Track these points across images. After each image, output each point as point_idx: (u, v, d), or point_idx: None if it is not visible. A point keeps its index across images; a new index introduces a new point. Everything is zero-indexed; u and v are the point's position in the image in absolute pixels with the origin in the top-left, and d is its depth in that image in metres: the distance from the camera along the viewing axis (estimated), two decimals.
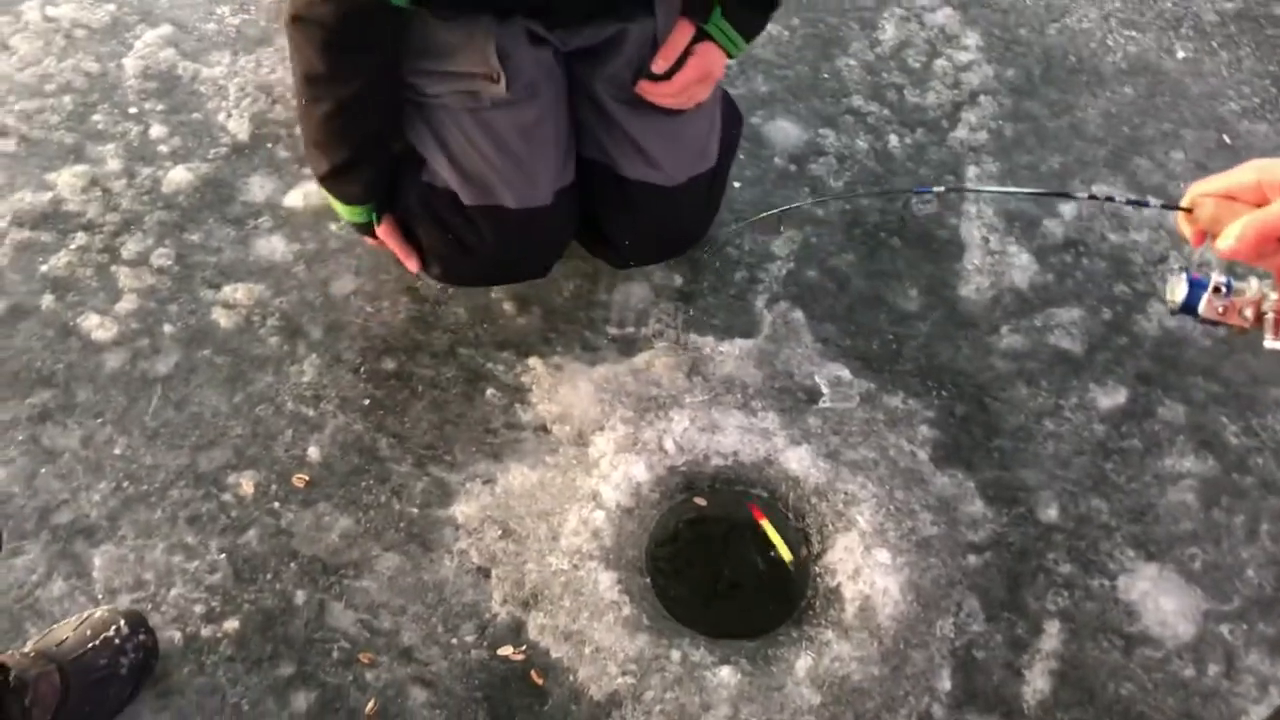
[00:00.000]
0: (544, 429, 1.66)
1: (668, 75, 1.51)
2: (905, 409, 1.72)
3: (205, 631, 1.45)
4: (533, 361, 1.73)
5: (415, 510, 1.58)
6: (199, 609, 1.47)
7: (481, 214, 1.59)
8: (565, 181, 1.63)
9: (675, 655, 1.45)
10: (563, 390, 1.69)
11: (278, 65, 2.13)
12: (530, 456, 1.63)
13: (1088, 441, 1.70)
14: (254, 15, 2.22)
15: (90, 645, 1.33)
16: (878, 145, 2.08)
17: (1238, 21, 2.39)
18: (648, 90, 1.53)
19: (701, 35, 1.51)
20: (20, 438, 1.61)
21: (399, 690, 1.42)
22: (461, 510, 1.57)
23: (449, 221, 1.61)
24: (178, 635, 1.44)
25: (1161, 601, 1.55)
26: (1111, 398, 1.75)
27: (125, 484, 1.58)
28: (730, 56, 1.54)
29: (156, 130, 2.00)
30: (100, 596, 1.47)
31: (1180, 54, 2.31)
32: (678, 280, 1.86)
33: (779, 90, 2.16)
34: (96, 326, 1.73)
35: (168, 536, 1.53)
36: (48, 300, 1.76)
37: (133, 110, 2.03)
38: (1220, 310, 0.80)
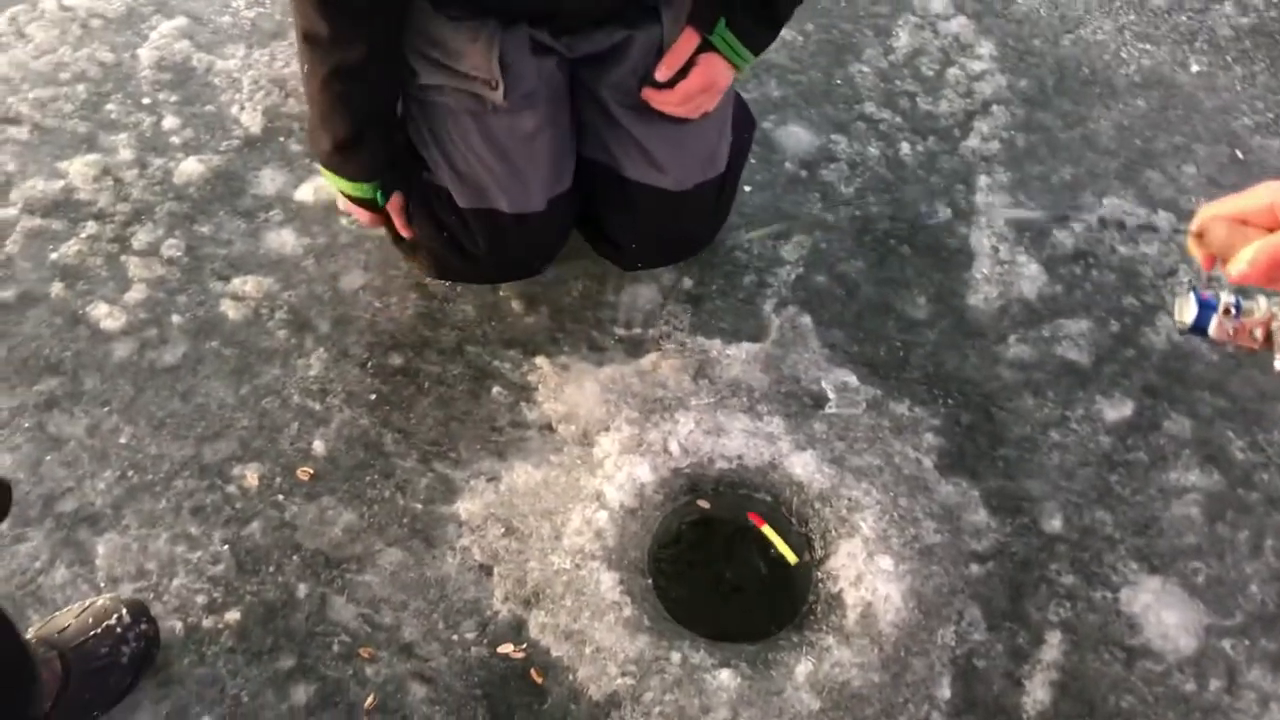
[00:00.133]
0: (549, 428, 1.67)
1: (671, 84, 1.52)
2: (911, 416, 1.71)
3: (206, 622, 1.45)
4: (539, 360, 1.73)
5: (419, 506, 1.58)
6: (201, 600, 1.47)
7: (475, 216, 1.60)
8: (561, 188, 1.64)
9: (675, 657, 1.45)
10: (569, 390, 1.69)
11: (291, 59, 2.14)
12: (535, 455, 1.63)
13: (1093, 453, 1.70)
14: (269, 8, 2.23)
15: (92, 633, 1.33)
16: (889, 153, 2.08)
17: (1252, 36, 2.39)
18: (652, 97, 1.53)
19: (707, 46, 1.51)
20: (27, 425, 1.62)
21: (398, 685, 1.42)
22: (465, 507, 1.57)
23: (444, 220, 1.62)
24: (179, 625, 1.45)
25: (1164, 615, 1.54)
26: (1118, 410, 1.75)
27: (130, 473, 1.58)
28: (736, 69, 1.53)
29: (169, 121, 2.01)
30: (103, 585, 1.47)
31: (1194, 68, 2.31)
32: (686, 282, 1.86)
33: (791, 95, 2.16)
34: (105, 315, 1.74)
35: (171, 526, 1.53)
36: (57, 288, 1.77)
37: (146, 101, 2.04)
38: (1230, 331, 0.79)
